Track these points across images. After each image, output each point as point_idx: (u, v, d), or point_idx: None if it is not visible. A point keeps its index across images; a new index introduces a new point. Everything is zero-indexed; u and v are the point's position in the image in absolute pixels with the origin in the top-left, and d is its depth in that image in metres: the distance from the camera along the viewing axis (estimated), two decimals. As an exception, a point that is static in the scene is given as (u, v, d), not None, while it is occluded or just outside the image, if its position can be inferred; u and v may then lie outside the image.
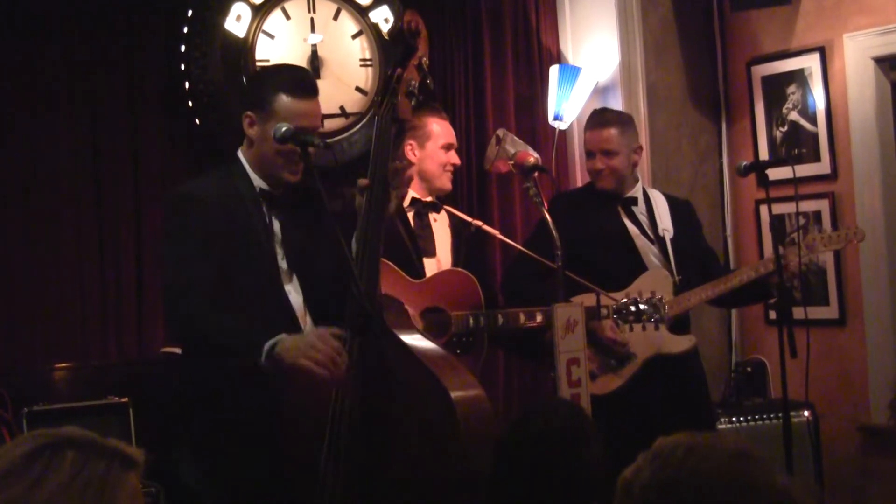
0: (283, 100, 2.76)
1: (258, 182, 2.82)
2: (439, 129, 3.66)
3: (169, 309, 2.79)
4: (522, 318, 3.47)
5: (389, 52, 4.31)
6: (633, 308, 3.45)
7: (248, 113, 2.82)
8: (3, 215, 3.86)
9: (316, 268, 2.84)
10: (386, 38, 4.34)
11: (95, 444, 1.36)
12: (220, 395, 2.71)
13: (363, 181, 2.75)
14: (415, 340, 2.71)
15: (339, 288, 2.73)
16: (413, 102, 2.84)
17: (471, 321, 3.48)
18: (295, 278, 2.83)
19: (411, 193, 3.66)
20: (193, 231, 2.71)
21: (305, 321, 2.81)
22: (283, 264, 2.81)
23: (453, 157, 3.69)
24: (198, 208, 2.73)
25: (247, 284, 2.73)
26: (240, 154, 2.87)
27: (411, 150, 3.67)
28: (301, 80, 2.85)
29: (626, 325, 3.55)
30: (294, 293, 2.82)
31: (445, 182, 3.68)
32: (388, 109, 2.79)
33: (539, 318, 3.44)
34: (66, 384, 3.78)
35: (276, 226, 2.82)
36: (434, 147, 3.64)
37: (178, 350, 3.34)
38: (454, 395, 2.53)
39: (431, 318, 3.45)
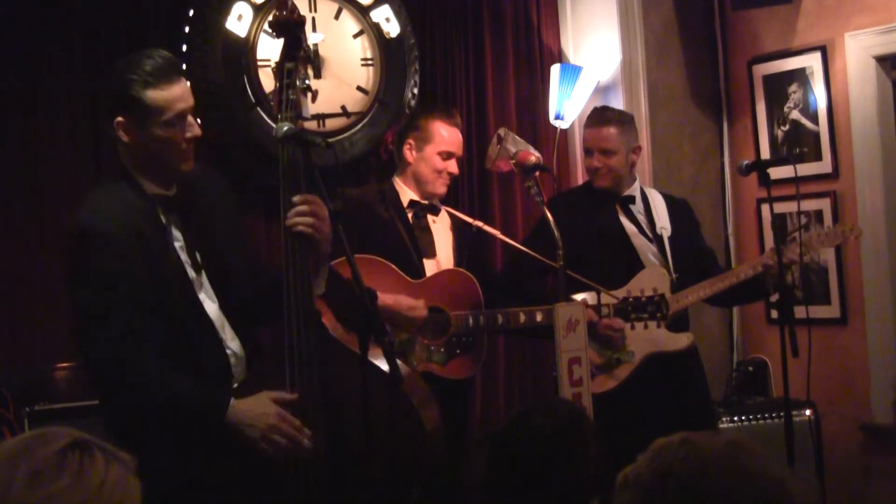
0: (155, 93, 2.46)
1: (151, 188, 2.54)
2: (442, 136, 3.60)
3: (107, 375, 2.45)
4: (522, 317, 3.46)
5: (388, 52, 4.31)
6: (634, 304, 3.45)
7: (118, 119, 2.48)
8: (4, 215, 3.85)
9: (226, 267, 2.63)
10: (387, 37, 4.34)
11: (110, 448, 1.38)
12: (165, 444, 2.40)
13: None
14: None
15: (256, 284, 2.63)
16: (309, 97, 2.65)
17: (470, 321, 3.47)
18: (206, 283, 2.58)
19: (410, 194, 3.64)
20: (111, 273, 2.42)
21: (225, 330, 2.58)
22: (191, 272, 2.55)
23: (451, 167, 3.62)
24: (109, 244, 2.43)
25: (163, 306, 2.47)
26: (123, 163, 2.57)
27: (409, 150, 3.64)
28: (165, 63, 2.50)
29: (627, 323, 3.55)
30: (209, 301, 2.57)
31: (437, 188, 3.63)
32: (290, 108, 2.61)
33: (539, 318, 3.43)
34: (67, 383, 3.77)
35: (176, 232, 2.56)
36: (431, 152, 3.60)
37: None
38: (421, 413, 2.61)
39: (431, 318, 3.44)
